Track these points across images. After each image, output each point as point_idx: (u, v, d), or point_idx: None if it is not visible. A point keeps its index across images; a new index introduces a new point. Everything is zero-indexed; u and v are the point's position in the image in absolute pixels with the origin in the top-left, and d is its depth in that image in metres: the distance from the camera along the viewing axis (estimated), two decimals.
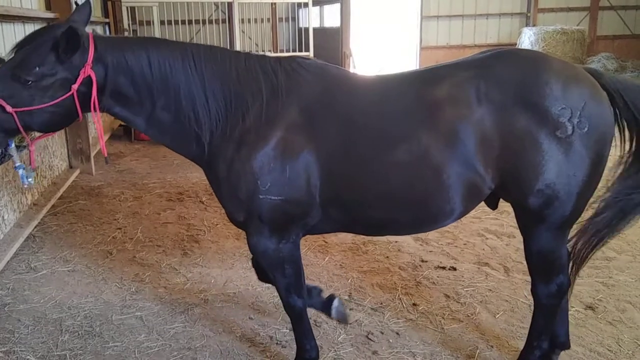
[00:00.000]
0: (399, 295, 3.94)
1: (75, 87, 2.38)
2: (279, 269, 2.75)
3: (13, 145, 2.66)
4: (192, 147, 2.62)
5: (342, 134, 2.52)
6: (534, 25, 14.60)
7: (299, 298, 2.83)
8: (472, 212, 5.33)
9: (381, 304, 3.85)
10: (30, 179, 2.67)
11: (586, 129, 2.39)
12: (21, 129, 2.42)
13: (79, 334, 3.52)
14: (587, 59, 14.00)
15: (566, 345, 3.01)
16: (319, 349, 3.10)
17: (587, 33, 14.33)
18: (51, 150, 6.36)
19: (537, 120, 2.39)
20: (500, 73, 2.48)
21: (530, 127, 2.40)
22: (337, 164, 2.52)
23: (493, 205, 2.86)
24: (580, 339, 3.32)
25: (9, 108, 2.34)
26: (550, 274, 2.71)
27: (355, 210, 2.64)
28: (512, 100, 2.42)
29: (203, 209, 5.83)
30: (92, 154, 7.26)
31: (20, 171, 2.67)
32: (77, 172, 7.00)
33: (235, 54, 2.66)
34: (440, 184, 2.49)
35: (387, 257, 4.59)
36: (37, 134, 2.70)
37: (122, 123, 9.37)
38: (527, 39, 13.61)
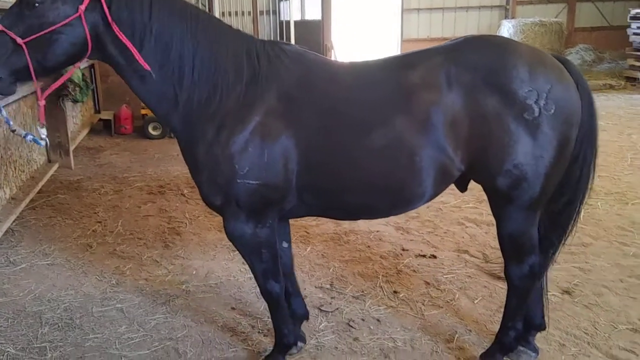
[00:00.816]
0: (380, 284, 3.98)
1: (82, 7, 2.32)
2: (256, 254, 2.75)
3: (3, 112, 2.62)
4: (171, 111, 2.57)
5: (319, 120, 2.54)
6: (513, 18, 14.72)
7: (276, 283, 2.84)
8: (452, 201, 5.49)
9: (362, 292, 3.88)
10: (44, 137, 2.63)
11: (552, 111, 2.45)
12: (31, 69, 2.35)
13: (58, 326, 3.50)
14: (565, 50, 14.17)
15: (542, 327, 3.07)
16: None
17: (565, 25, 14.48)
18: (30, 144, 6.27)
19: (505, 102, 2.44)
20: (470, 58, 2.52)
21: (498, 110, 2.45)
22: (315, 149, 2.54)
23: (463, 188, 2.90)
24: (557, 323, 3.39)
25: (19, 40, 2.30)
26: (521, 255, 2.77)
27: (331, 195, 2.66)
28: (481, 84, 2.46)
29: (184, 201, 5.81)
30: (71, 148, 7.17)
31: (29, 137, 2.66)
32: (56, 166, 6.91)
33: (227, 27, 2.64)
34: (414, 167, 2.52)
35: (369, 246, 4.62)
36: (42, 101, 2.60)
37: (102, 117, 9.30)
38: (506, 31, 13.73)
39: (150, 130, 8.80)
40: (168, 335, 3.39)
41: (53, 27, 2.32)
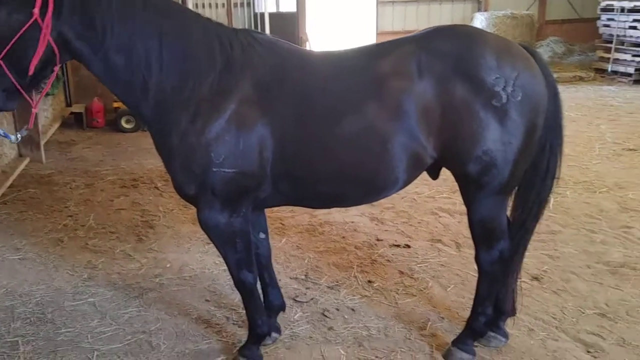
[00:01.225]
0: (354, 274, 4.01)
1: (35, 11, 2.27)
2: (230, 244, 2.75)
3: None
4: (141, 101, 2.55)
5: (294, 108, 2.55)
6: (485, 11, 14.84)
7: (249, 273, 2.84)
8: (427, 192, 5.55)
9: (337, 282, 3.91)
10: (19, 136, 2.67)
11: (520, 98, 2.50)
12: (15, 82, 2.34)
13: (30, 321, 3.46)
14: (537, 43, 14.35)
15: (512, 313, 3.14)
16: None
17: (536, 17, 14.67)
18: (0, 139, 6.13)
19: (474, 90, 2.49)
20: (440, 46, 2.57)
21: (467, 97, 2.50)
22: (290, 138, 2.55)
23: (434, 175, 2.94)
24: (526, 308, 3.46)
25: None
26: (491, 241, 2.82)
27: (306, 184, 2.68)
28: (450, 72, 2.51)
29: (158, 194, 5.75)
30: (42, 142, 7.03)
31: (1, 131, 2.70)
32: (26, 160, 6.78)
33: (196, 16, 2.62)
34: (387, 155, 2.56)
35: (344, 237, 4.65)
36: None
37: (74, 111, 9.13)
38: (479, 24, 13.84)
39: (123, 123, 8.67)
40: (141, 329, 3.37)
41: (16, 37, 2.29)
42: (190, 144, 2.51)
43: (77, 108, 9.15)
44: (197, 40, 2.54)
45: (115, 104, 8.80)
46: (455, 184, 2.85)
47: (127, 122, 8.67)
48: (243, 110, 2.51)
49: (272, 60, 2.61)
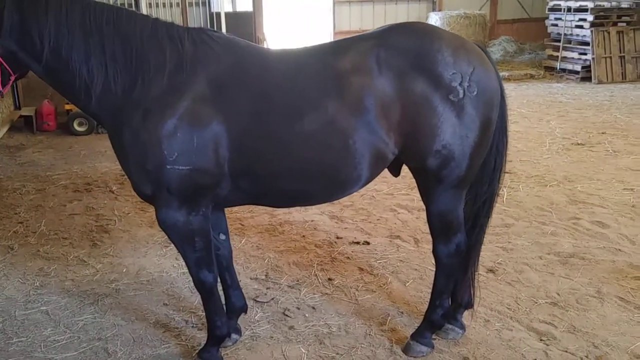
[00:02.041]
0: (315, 272, 4.02)
1: None
2: (189, 243, 2.72)
3: None
4: (86, 103, 2.58)
5: (251, 106, 2.54)
6: (439, 10, 15.14)
7: (209, 273, 2.81)
8: (385, 189, 5.61)
9: (298, 281, 3.91)
10: None
11: (475, 93, 2.58)
12: None
13: None
14: (489, 42, 14.74)
15: (469, 305, 3.21)
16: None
17: (488, 17, 15.06)
18: None
19: (432, 85, 2.55)
20: (398, 42, 2.61)
21: (426, 92, 2.55)
22: (247, 135, 2.54)
23: (396, 172, 2.98)
24: (482, 300, 3.54)
25: None
26: (449, 234, 2.89)
27: (266, 182, 2.67)
28: (409, 67, 2.56)
29: (113, 198, 5.62)
30: None
31: None
32: None
33: (143, 17, 2.63)
34: (348, 152, 2.58)
35: (304, 236, 4.65)
36: None
37: (23, 114, 8.80)
38: (433, 23, 14.09)
39: (75, 126, 8.42)
40: (97, 336, 3.28)
41: None
42: (142, 142, 2.50)
43: (27, 111, 8.82)
44: (145, 42, 2.53)
45: (67, 106, 8.53)
46: (413, 180, 2.89)
47: (80, 124, 8.43)
48: (196, 107, 2.49)
49: (228, 58, 2.60)
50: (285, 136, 2.56)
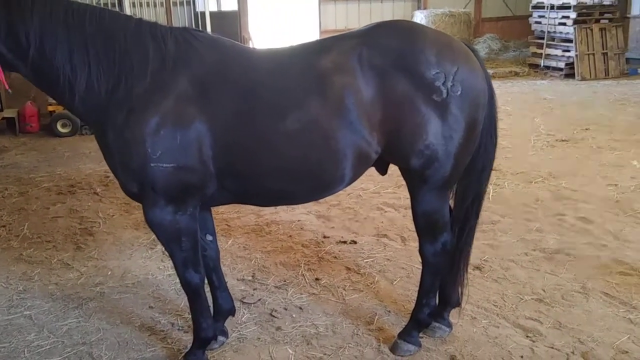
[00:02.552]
0: (302, 272, 4.01)
1: None
2: (175, 242, 2.70)
3: None
4: (70, 102, 2.59)
5: (235, 106, 2.54)
6: (424, 8, 15.21)
7: (196, 273, 2.79)
8: (372, 188, 5.61)
9: (285, 281, 3.89)
10: None
11: (459, 93, 2.56)
12: None
13: None
14: (474, 40, 14.83)
15: (456, 303, 3.21)
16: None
17: (473, 15, 15.15)
18: None
19: (414, 84, 2.53)
20: (381, 41, 2.60)
21: (408, 92, 2.54)
22: (231, 135, 2.54)
23: (383, 171, 2.98)
24: (469, 297, 3.54)
25: None
26: (435, 233, 2.88)
27: (250, 181, 2.67)
28: (391, 67, 2.54)
29: (97, 200, 5.56)
30: None
31: None
32: None
33: (126, 17, 2.63)
34: (331, 151, 2.57)
35: (290, 236, 4.63)
36: None
37: (5, 115, 8.68)
38: (419, 22, 14.16)
39: (59, 127, 8.32)
40: (81, 340, 3.24)
41: None
42: (126, 140, 2.51)
43: (9, 113, 8.69)
44: (128, 41, 2.53)
45: (50, 108, 8.44)
46: (400, 179, 2.89)
47: (63, 126, 8.34)
48: (179, 106, 2.50)
49: (211, 57, 2.60)
50: (268, 135, 2.55)
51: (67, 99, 2.57)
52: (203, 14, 11.37)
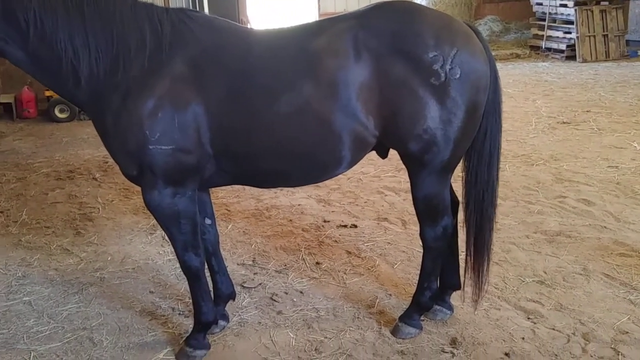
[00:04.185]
0: (302, 256, 3.99)
1: None
2: (174, 225, 2.69)
3: None
4: (73, 88, 2.56)
5: (230, 86, 2.52)
6: None
7: (195, 256, 2.78)
8: (372, 172, 5.58)
9: (285, 265, 3.88)
10: None
11: (458, 76, 2.49)
12: None
13: None
14: (475, 21, 14.70)
15: (457, 286, 3.20)
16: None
17: None
18: None
19: (411, 68, 2.48)
20: (378, 23, 2.54)
21: (406, 75, 2.48)
22: (227, 116, 2.52)
23: (383, 154, 2.94)
24: (470, 280, 3.53)
25: None
26: (435, 217, 2.85)
27: (246, 162, 2.65)
28: (388, 49, 2.49)
29: (97, 185, 5.53)
30: None
31: None
32: None
33: (124, 1, 2.58)
34: (325, 133, 2.54)
35: (291, 220, 4.62)
36: None
37: (2, 101, 8.62)
38: (419, 2, 14.05)
39: (56, 112, 8.28)
40: (81, 325, 3.23)
41: None
42: (124, 123, 2.50)
43: (6, 98, 8.65)
44: (125, 23, 2.51)
45: (47, 93, 8.38)
46: (401, 162, 2.86)
47: (61, 111, 8.29)
48: (176, 87, 2.49)
49: (207, 38, 2.58)
50: (264, 117, 2.53)
51: (71, 84, 2.53)
52: None
